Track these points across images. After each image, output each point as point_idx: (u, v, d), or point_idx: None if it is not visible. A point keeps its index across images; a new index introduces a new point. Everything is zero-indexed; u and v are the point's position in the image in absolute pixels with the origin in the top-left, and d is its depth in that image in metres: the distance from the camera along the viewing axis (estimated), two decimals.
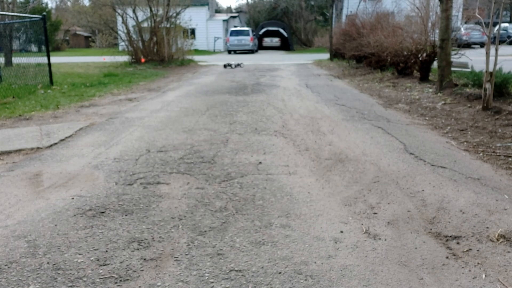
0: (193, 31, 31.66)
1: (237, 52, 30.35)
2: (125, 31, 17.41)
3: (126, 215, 2.82)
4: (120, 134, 5.18)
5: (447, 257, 2.28)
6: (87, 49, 38.41)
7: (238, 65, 15.61)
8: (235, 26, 36.04)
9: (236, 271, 2.16)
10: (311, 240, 2.47)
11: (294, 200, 3.07)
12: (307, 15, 40.27)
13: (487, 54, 6.04)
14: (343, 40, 15.88)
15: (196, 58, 20.91)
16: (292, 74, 13.47)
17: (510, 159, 3.97)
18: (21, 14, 12.87)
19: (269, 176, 3.56)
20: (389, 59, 10.91)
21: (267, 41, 37.73)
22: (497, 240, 2.44)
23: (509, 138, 4.68)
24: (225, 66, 15.52)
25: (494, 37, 7.56)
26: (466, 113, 6.09)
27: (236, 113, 6.48)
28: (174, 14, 18.40)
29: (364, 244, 2.43)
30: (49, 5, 45.92)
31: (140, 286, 2.04)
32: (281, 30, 36.58)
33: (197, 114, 6.41)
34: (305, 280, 2.07)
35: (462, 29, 14.13)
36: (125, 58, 17.77)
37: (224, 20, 36.95)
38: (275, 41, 37.75)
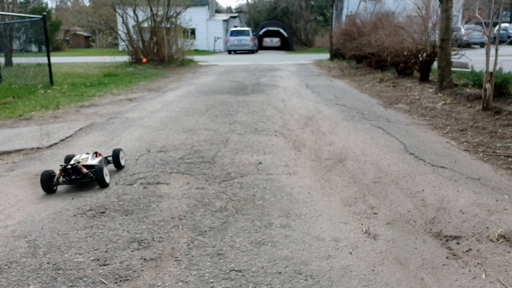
0: (193, 31, 31.66)
1: (237, 52, 30.35)
2: (125, 31, 17.41)
3: (126, 215, 2.82)
4: (120, 134, 5.18)
5: (447, 257, 2.28)
6: (87, 49, 38.41)
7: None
8: (235, 26, 36.04)
9: (236, 271, 2.16)
10: (311, 240, 2.47)
11: (294, 200, 3.06)
12: (307, 15, 40.26)
13: (487, 54, 6.03)
14: (343, 40, 15.88)
15: (196, 58, 20.91)
16: (292, 74, 13.47)
17: (510, 159, 3.96)
18: (21, 14, 12.87)
19: (269, 176, 3.56)
20: (389, 59, 10.91)
21: (267, 41, 37.74)
22: (497, 240, 2.44)
23: (509, 138, 4.67)
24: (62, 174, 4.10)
25: (494, 37, 7.55)
26: (466, 113, 6.08)
27: (236, 113, 6.48)
28: (174, 14, 18.41)
29: (364, 244, 2.42)
30: (49, 5, 46.00)
31: (140, 286, 2.04)
32: (281, 30, 36.58)
33: (197, 114, 6.41)
34: (305, 280, 2.07)
35: (462, 29, 14.13)
36: (125, 58, 17.77)
37: (224, 20, 36.95)
38: (275, 41, 37.75)
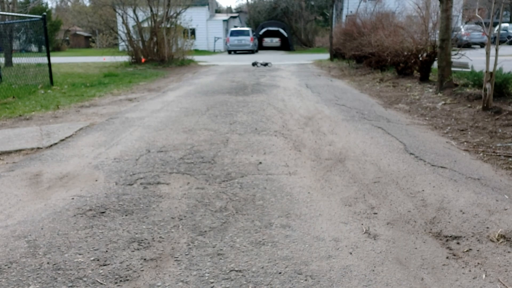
0: (193, 31, 31.67)
1: (237, 52, 30.34)
2: (125, 31, 17.41)
3: (126, 215, 2.82)
4: (120, 134, 5.18)
5: (447, 257, 2.28)
6: (87, 49, 38.42)
7: (266, 64, 16.63)
8: (235, 26, 36.04)
9: (236, 271, 2.16)
10: (311, 240, 2.47)
11: (294, 200, 3.07)
12: (307, 15, 40.26)
13: (487, 54, 6.03)
14: (343, 40, 15.88)
15: (196, 58, 20.92)
16: (292, 74, 13.47)
17: (510, 159, 3.97)
18: (21, 14, 12.88)
19: (269, 176, 3.56)
20: (389, 59, 10.91)
21: (267, 41, 37.72)
22: (497, 240, 2.44)
23: (509, 138, 4.67)
24: (253, 64, 16.59)
25: (494, 37, 7.56)
26: (466, 113, 6.08)
27: (236, 113, 6.48)
28: (175, 14, 18.41)
29: (364, 244, 2.43)
30: (49, 5, 46.01)
31: (140, 286, 2.04)
32: (281, 30, 36.57)
33: (197, 114, 6.41)
34: (305, 280, 2.07)
35: (462, 29, 14.13)
36: (125, 58, 17.77)
37: (224, 20, 36.95)
38: (275, 41, 37.74)
